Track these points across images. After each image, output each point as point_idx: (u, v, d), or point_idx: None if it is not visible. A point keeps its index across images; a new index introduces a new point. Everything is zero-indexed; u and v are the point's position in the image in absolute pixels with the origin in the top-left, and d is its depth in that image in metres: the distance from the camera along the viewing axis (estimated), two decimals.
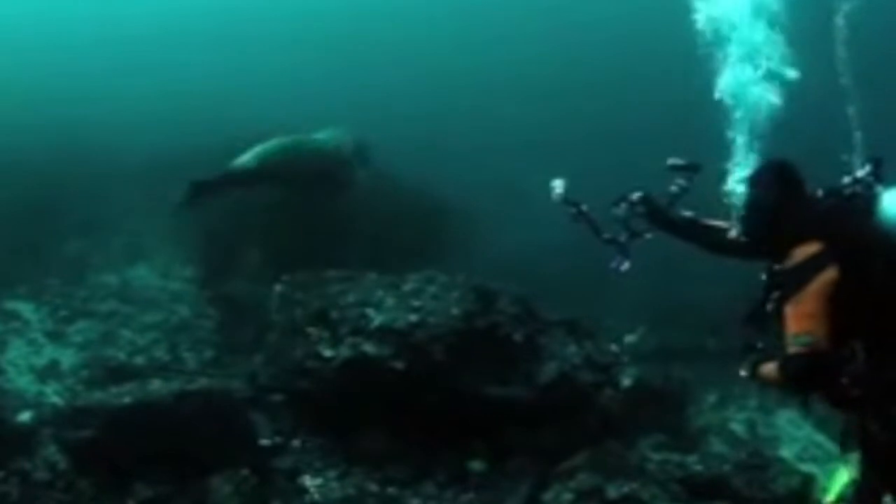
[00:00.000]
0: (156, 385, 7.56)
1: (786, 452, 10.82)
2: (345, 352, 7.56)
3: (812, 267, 4.00)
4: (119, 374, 8.56)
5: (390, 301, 7.75)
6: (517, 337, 7.66)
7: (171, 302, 11.57)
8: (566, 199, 4.90)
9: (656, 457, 7.50)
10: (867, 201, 4.13)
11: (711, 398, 12.11)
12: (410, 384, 7.41)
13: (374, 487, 7.26)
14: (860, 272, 3.96)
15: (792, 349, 3.92)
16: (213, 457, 7.05)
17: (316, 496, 7.16)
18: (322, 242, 10.21)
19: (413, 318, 7.55)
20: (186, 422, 7.15)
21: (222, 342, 10.13)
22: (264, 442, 7.69)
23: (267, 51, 21.55)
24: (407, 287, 7.91)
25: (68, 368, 9.14)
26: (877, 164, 4.24)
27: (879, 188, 4.16)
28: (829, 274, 3.94)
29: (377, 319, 7.59)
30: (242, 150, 11.38)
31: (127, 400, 7.15)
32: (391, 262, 8.29)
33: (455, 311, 7.62)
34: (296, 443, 7.76)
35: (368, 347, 7.49)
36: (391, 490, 7.24)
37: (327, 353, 7.61)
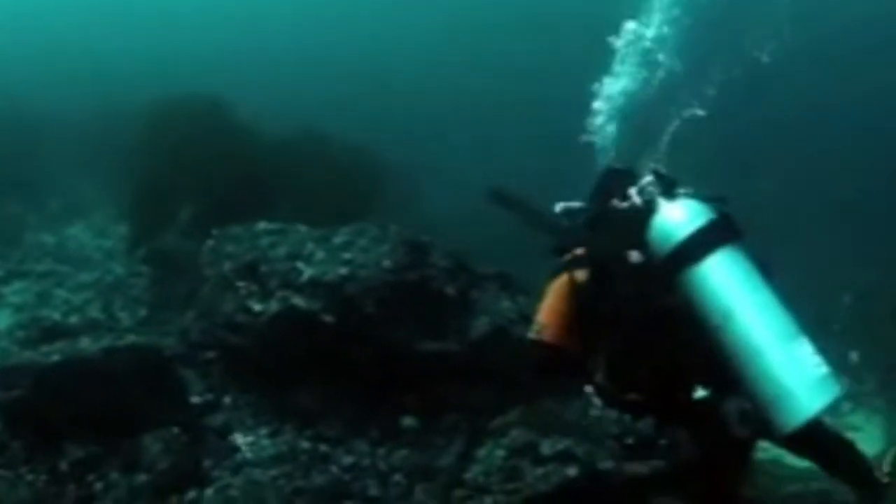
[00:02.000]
0: (85, 343, 7.22)
1: None
2: (274, 305, 7.28)
3: (564, 268, 4.28)
4: (53, 334, 8.36)
5: (321, 254, 7.46)
6: (450, 291, 7.42)
7: (106, 260, 11.42)
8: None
9: (592, 413, 7.32)
10: (645, 213, 4.20)
11: None
12: (341, 338, 7.16)
13: (306, 445, 7.05)
14: (604, 282, 4.16)
15: (528, 335, 4.27)
16: (144, 415, 6.78)
17: (247, 454, 6.94)
18: (257, 198, 10.03)
19: (343, 270, 7.27)
20: (116, 379, 6.85)
21: (156, 299, 9.94)
22: (195, 399, 7.45)
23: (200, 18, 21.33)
24: (337, 240, 7.61)
25: (4, 330, 8.93)
26: (658, 176, 4.31)
27: (659, 201, 4.21)
28: (575, 276, 4.21)
29: (307, 272, 7.31)
30: None
31: (56, 358, 6.83)
32: (324, 217, 7.99)
33: (386, 263, 7.35)
34: (227, 400, 7.52)
35: (298, 301, 7.21)
36: (323, 447, 7.04)
37: (257, 307, 7.33)
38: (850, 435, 5.30)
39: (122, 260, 11.46)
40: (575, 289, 4.23)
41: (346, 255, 7.41)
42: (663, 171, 4.36)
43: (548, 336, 4.25)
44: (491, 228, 5.53)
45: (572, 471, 6.17)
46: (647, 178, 4.34)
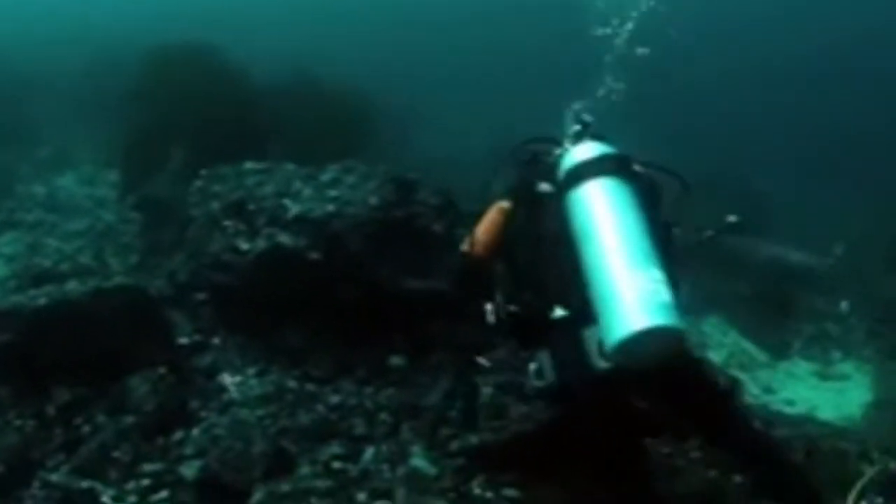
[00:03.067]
0: (72, 285, 7.06)
1: (713, 356, 10.75)
2: (261, 243, 7.14)
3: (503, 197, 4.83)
4: (43, 280, 8.11)
5: (308, 191, 7.32)
6: (437, 228, 7.28)
7: (97, 208, 11.38)
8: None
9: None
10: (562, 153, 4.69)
11: None
12: (328, 276, 7.02)
13: (293, 384, 6.90)
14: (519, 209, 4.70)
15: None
16: (131, 357, 6.64)
17: (235, 394, 6.78)
18: (248, 142, 9.90)
19: (330, 207, 7.14)
20: (103, 321, 6.73)
21: (147, 245, 9.84)
22: (183, 340, 7.32)
23: None
24: (325, 177, 7.49)
25: None
26: (583, 125, 4.74)
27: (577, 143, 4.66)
28: (502, 205, 4.80)
29: (293, 209, 7.17)
30: None
31: (42, 301, 6.68)
32: (314, 159, 7.84)
33: (373, 200, 7.21)
34: (216, 340, 7.38)
35: (284, 238, 7.07)
36: (310, 386, 6.90)
37: (244, 245, 7.19)
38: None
39: (112, 207, 11.41)
40: (502, 214, 4.77)
41: (333, 193, 7.28)
42: (588, 119, 4.74)
43: (475, 251, 4.78)
44: (479, 169, 5.40)
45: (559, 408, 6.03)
46: (575, 126, 4.76)
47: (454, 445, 5.97)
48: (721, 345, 11.91)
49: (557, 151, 4.75)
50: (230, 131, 10.31)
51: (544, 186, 4.54)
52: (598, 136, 4.72)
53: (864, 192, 15.26)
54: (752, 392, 10.44)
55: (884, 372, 11.50)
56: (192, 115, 10.90)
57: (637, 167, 4.52)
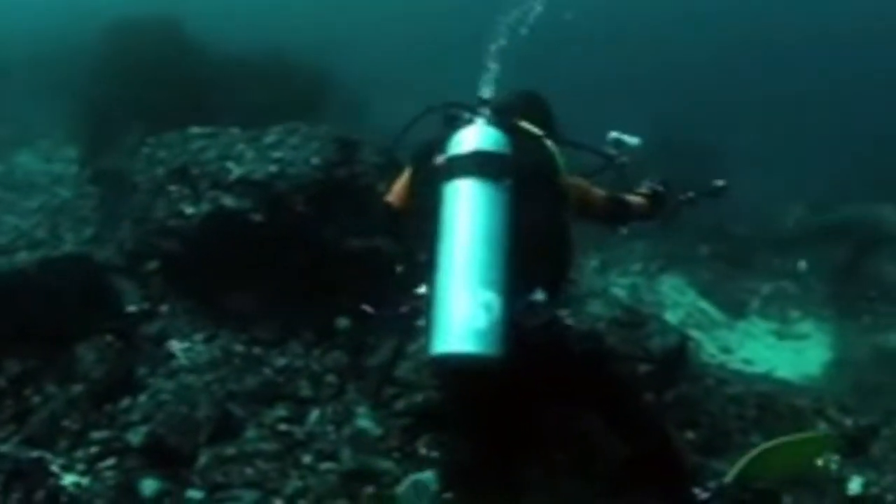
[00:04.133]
0: (21, 256, 6.96)
1: (669, 317, 10.67)
2: (205, 207, 7.00)
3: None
4: None
5: (250, 154, 7.17)
6: (381, 188, 7.15)
7: (53, 184, 11.22)
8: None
9: None
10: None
11: (593, 262, 11.96)
12: (272, 238, 6.91)
13: (240, 348, 6.81)
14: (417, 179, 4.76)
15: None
16: (79, 326, 6.52)
17: (183, 360, 6.69)
18: (204, 114, 9.75)
19: (273, 168, 6.99)
20: (51, 290, 6.60)
21: (103, 218, 9.68)
22: (131, 308, 7.16)
23: None
24: (268, 139, 7.33)
25: None
26: (481, 102, 4.67)
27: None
28: (407, 170, 4.89)
29: (236, 172, 7.03)
30: None
31: None
32: (267, 123, 7.70)
33: (315, 161, 7.07)
34: (164, 308, 7.25)
35: (227, 200, 6.93)
36: (257, 350, 6.81)
37: (188, 209, 7.06)
38: None
39: (70, 183, 11.26)
40: (411, 174, 4.84)
41: (276, 154, 7.13)
42: (487, 97, 4.65)
43: (391, 199, 4.97)
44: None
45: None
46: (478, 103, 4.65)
47: (399, 405, 5.87)
48: (678, 305, 11.86)
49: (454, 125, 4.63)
50: (187, 103, 10.13)
51: (440, 160, 4.42)
52: (500, 112, 4.67)
53: (822, 155, 15.27)
54: (709, 352, 10.39)
55: (842, 331, 11.49)
56: (149, 89, 10.72)
57: (508, 165, 4.38)
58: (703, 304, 11.96)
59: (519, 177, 4.34)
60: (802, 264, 12.86)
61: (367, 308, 4.74)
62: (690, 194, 5.31)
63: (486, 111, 4.63)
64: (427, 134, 4.76)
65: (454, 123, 4.62)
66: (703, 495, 4.74)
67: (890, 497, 5.22)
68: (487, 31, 4.87)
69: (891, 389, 9.19)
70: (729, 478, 4.88)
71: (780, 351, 11.19)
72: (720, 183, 5.28)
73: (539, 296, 4.26)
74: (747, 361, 10.60)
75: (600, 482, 5.05)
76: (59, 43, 13.50)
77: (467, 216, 4.18)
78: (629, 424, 4.97)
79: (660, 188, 5.25)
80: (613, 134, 5.14)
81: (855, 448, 5.99)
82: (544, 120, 5.09)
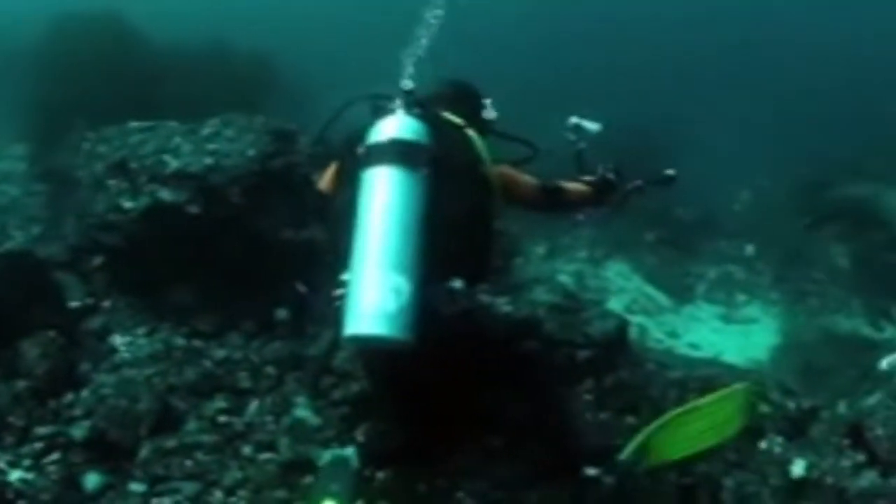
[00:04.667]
0: None
1: (615, 303, 10.72)
2: (144, 201, 6.97)
3: None
4: None
5: (187, 146, 7.16)
6: (316, 177, 7.18)
7: (0, 182, 11.08)
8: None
9: None
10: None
11: (539, 250, 11.98)
12: (209, 230, 6.91)
13: (181, 342, 6.82)
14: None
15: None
16: (23, 322, 6.46)
17: (125, 354, 6.69)
18: (150, 109, 9.70)
19: (208, 161, 6.99)
20: None
21: (51, 215, 9.62)
22: (75, 304, 7.15)
23: None
24: (205, 132, 7.34)
25: None
26: (405, 93, 4.62)
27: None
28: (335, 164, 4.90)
29: (172, 165, 7.01)
30: None
31: None
32: (203, 111, 7.68)
33: (251, 152, 7.08)
34: (107, 303, 7.23)
35: (164, 194, 6.91)
36: (197, 343, 6.82)
37: (127, 204, 7.02)
38: None
39: (17, 181, 11.16)
40: (338, 163, 4.87)
41: (212, 146, 7.14)
42: (409, 87, 4.63)
43: (322, 187, 5.03)
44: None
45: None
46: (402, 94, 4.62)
47: (336, 394, 5.87)
48: (624, 290, 11.90)
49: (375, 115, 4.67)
50: (133, 97, 10.08)
51: (360, 149, 4.46)
52: (422, 103, 4.69)
53: (768, 140, 15.35)
54: (655, 337, 10.43)
55: (790, 314, 11.57)
56: (95, 84, 10.64)
57: (428, 152, 4.43)
58: (650, 290, 12.01)
59: (438, 166, 4.37)
60: (749, 248, 12.94)
61: (301, 287, 4.77)
62: (639, 182, 5.29)
63: (409, 101, 4.62)
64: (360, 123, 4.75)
65: (379, 113, 4.62)
66: (592, 472, 4.76)
67: (829, 479, 5.22)
68: (413, 23, 4.89)
69: (838, 372, 9.27)
70: (624, 455, 4.84)
71: (727, 335, 11.27)
72: (670, 172, 5.28)
73: (457, 284, 4.28)
74: (694, 346, 10.67)
75: (529, 467, 5.06)
76: (2, 41, 13.33)
77: (382, 203, 4.23)
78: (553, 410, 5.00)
79: (611, 175, 5.22)
80: (574, 119, 5.18)
81: (798, 431, 6.01)
82: (473, 110, 5.11)
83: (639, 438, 4.90)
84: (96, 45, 11.38)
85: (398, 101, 4.63)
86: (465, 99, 5.18)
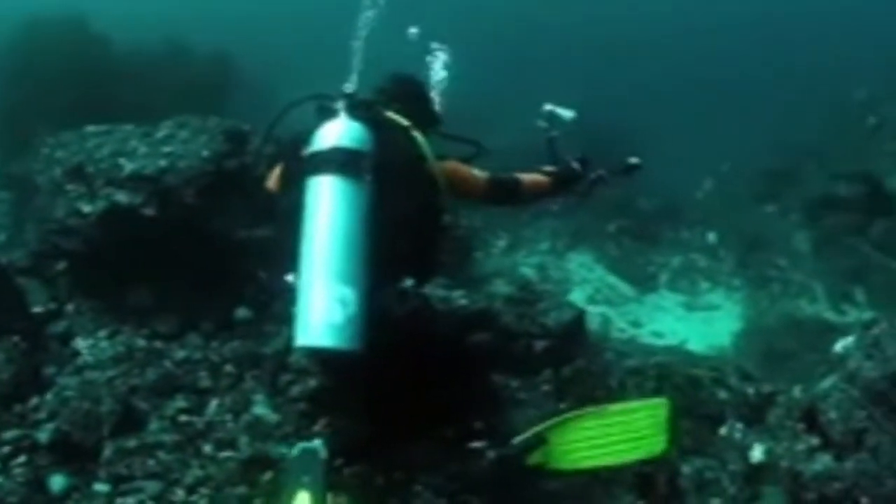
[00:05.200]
0: None
1: (578, 294, 10.76)
2: (101, 204, 7.01)
3: None
4: None
5: (143, 149, 7.20)
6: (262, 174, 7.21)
7: None
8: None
9: None
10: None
11: (501, 242, 12.00)
12: (165, 232, 6.95)
13: (141, 343, 6.84)
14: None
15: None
16: None
17: (87, 357, 6.71)
18: (105, 105, 9.70)
19: (163, 163, 7.03)
20: None
21: (12, 222, 9.61)
22: (38, 308, 7.17)
23: None
24: (160, 134, 7.38)
25: None
26: (347, 96, 4.61)
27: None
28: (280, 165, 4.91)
29: (128, 168, 7.04)
30: None
31: None
32: (163, 114, 7.70)
33: (205, 153, 7.12)
34: (70, 307, 7.27)
35: (121, 197, 6.95)
36: (158, 344, 6.84)
37: (85, 208, 7.05)
38: None
39: None
40: (282, 165, 4.90)
41: (167, 149, 7.17)
42: (351, 90, 4.63)
43: (269, 185, 5.07)
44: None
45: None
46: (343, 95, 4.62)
47: (294, 391, 5.91)
48: (586, 281, 11.94)
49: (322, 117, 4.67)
50: (93, 101, 10.06)
51: (304, 154, 4.49)
52: (365, 105, 4.71)
53: (731, 129, 15.43)
54: (619, 326, 10.48)
55: (752, 300, 11.64)
56: (56, 89, 10.62)
57: (369, 160, 4.44)
58: (612, 280, 12.05)
59: (381, 169, 4.39)
60: (711, 236, 13.01)
61: (262, 274, 4.82)
62: (601, 172, 5.30)
63: (351, 104, 4.62)
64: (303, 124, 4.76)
65: (323, 115, 4.63)
66: (477, 444, 4.80)
67: (784, 463, 5.25)
68: (354, 22, 4.89)
69: (799, 356, 9.33)
70: (517, 440, 4.77)
71: (691, 322, 11.33)
72: (633, 161, 5.29)
73: (407, 283, 4.32)
74: (657, 334, 10.72)
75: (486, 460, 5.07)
76: None
77: (326, 213, 4.26)
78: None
79: (576, 165, 5.22)
80: (548, 106, 5.18)
81: (757, 416, 6.05)
82: (420, 107, 5.12)
83: (535, 429, 4.78)
84: (57, 48, 11.33)
85: (341, 104, 4.62)
86: (412, 95, 5.19)
